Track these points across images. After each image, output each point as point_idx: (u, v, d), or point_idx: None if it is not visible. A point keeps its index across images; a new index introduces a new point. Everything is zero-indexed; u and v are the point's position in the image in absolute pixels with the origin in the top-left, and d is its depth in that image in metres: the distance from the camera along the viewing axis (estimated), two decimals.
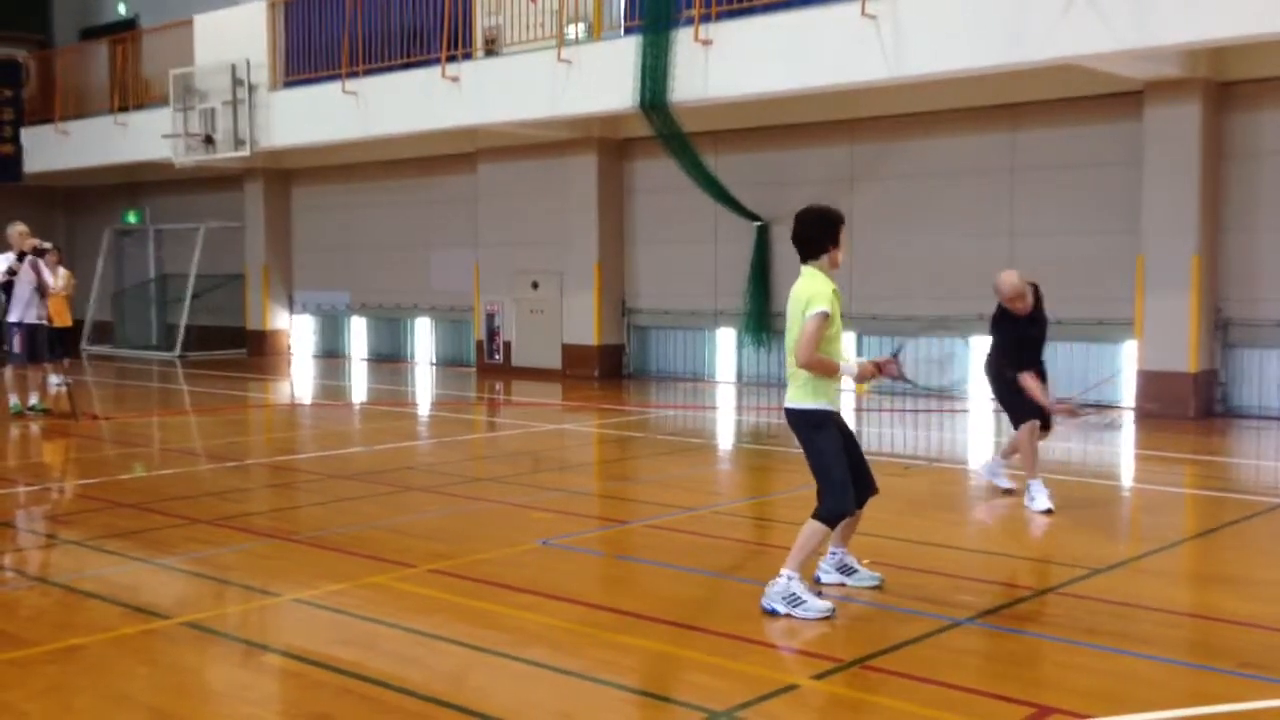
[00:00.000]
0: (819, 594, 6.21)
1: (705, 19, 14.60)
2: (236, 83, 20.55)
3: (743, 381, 17.87)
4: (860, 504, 6.39)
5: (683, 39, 14.72)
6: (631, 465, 11.47)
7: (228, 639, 5.85)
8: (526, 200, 19.80)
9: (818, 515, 6.09)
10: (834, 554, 6.62)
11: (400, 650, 5.60)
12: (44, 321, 14.21)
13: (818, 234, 6.21)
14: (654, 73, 14.92)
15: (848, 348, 15.17)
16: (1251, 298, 13.73)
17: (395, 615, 6.09)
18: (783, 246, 17.27)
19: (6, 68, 23.85)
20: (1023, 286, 8.75)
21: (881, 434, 13.62)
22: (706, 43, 14.57)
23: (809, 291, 6.09)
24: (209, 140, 21.12)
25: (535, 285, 19.62)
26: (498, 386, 18.62)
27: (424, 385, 19.25)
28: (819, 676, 5.13)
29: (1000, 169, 15.39)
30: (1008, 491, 9.23)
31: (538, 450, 12.01)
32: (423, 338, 22.29)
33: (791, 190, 17.14)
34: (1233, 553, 7.74)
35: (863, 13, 13.16)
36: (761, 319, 17.33)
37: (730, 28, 14.51)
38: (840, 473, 6.12)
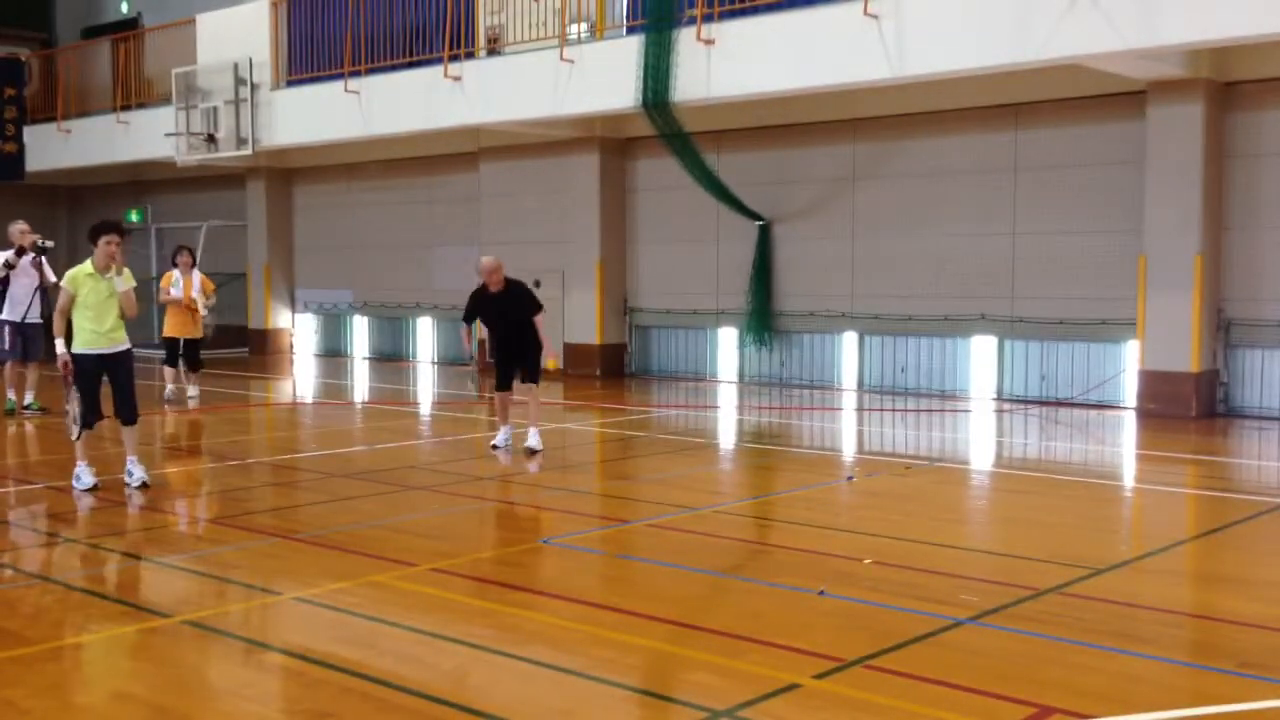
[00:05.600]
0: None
1: (708, 18, 14.60)
2: (239, 82, 20.56)
3: (744, 381, 17.86)
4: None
5: (685, 38, 14.72)
6: (633, 464, 11.46)
7: (229, 637, 5.85)
8: (529, 199, 19.80)
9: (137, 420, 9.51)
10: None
11: (401, 649, 5.60)
12: (40, 321, 14.08)
13: (92, 236, 9.34)
14: (656, 72, 14.92)
15: None
16: (1254, 298, 13.72)
17: (396, 614, 6.09)
18: (786, 246, 17.29)
19: (9, 66, 23.84)
20: (495, 265, 10.99)
21: (883, 434, 13.61)
22: (709, 42, 14.57)
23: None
24: (211, 139, 21.12)
25: (538, 284, 19.55)
26: None
27: (426, 384, 19.24)
28: (820, 676, 5.12)
29: (1003, 168, 15.38)
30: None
31: (539, 449, 11.99)
32: (425, 337, 22.29)
33: (794, 189, 17.17)
34: (1234, 553, 7.74)
35: (865, 12, 13.15)
36: (764, 318, 17.32)
37: (732, 27, 14.51)
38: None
